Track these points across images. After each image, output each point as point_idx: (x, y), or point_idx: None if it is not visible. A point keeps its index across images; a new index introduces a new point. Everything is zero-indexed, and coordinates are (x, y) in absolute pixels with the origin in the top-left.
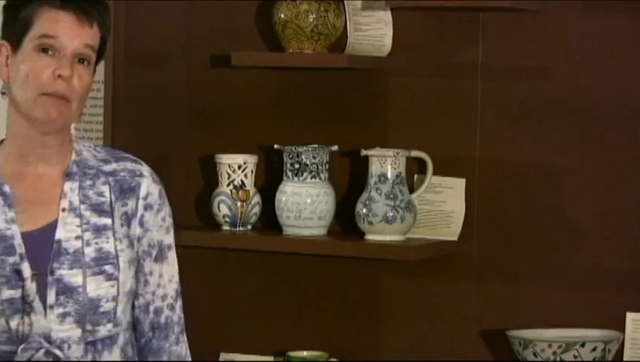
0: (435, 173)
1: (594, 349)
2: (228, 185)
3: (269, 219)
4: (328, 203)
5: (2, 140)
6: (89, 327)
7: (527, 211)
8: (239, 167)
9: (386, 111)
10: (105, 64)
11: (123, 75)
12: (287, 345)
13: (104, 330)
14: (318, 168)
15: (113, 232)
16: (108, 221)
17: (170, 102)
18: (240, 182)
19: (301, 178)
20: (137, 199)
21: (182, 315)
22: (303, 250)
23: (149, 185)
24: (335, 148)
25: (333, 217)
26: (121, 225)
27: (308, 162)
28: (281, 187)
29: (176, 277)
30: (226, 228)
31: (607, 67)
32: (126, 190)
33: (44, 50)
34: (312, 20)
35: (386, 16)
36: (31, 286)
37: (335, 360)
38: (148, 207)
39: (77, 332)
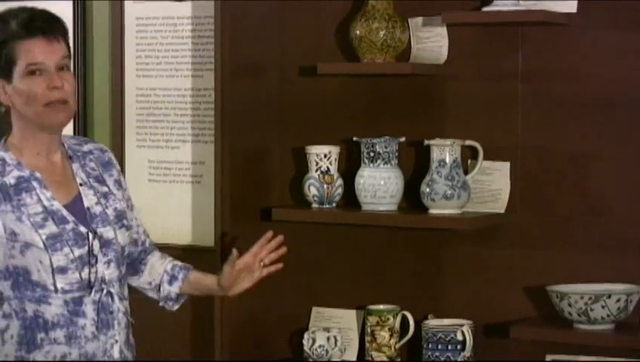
0: (484, 158)
1: (618, 300)
2: (316, 170)
3: (350, 198)
4: (398, 184)
5: (5, 142)
6: (122, 269)
7: (561, 188)
8: (325, 156)
9: (444, 108)
10: (214, 74)
11: (229, 83)
12: (366, 301)
13: (123, 269)
14: (389, 156)
15: (114, 195)
16: (106, 188)
17: (268, 104)
18: (326, 168)
19: (375, 164)
20: (115, 168)
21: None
22: (378, 222)
23: (113, 157)
24: (403, 139)
25: (402, 196)
26: (117, 189)
27: (381, 151)
28: (359, 172)
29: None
30: (315, 206)
31: (626, 69)
32: (105, 164)
33: (32, 73)
34: (382, 36)
35: (443, 31)
36: (95, 243)
37: (406, 311)
38: (119, 173)
39: (116, 274)
